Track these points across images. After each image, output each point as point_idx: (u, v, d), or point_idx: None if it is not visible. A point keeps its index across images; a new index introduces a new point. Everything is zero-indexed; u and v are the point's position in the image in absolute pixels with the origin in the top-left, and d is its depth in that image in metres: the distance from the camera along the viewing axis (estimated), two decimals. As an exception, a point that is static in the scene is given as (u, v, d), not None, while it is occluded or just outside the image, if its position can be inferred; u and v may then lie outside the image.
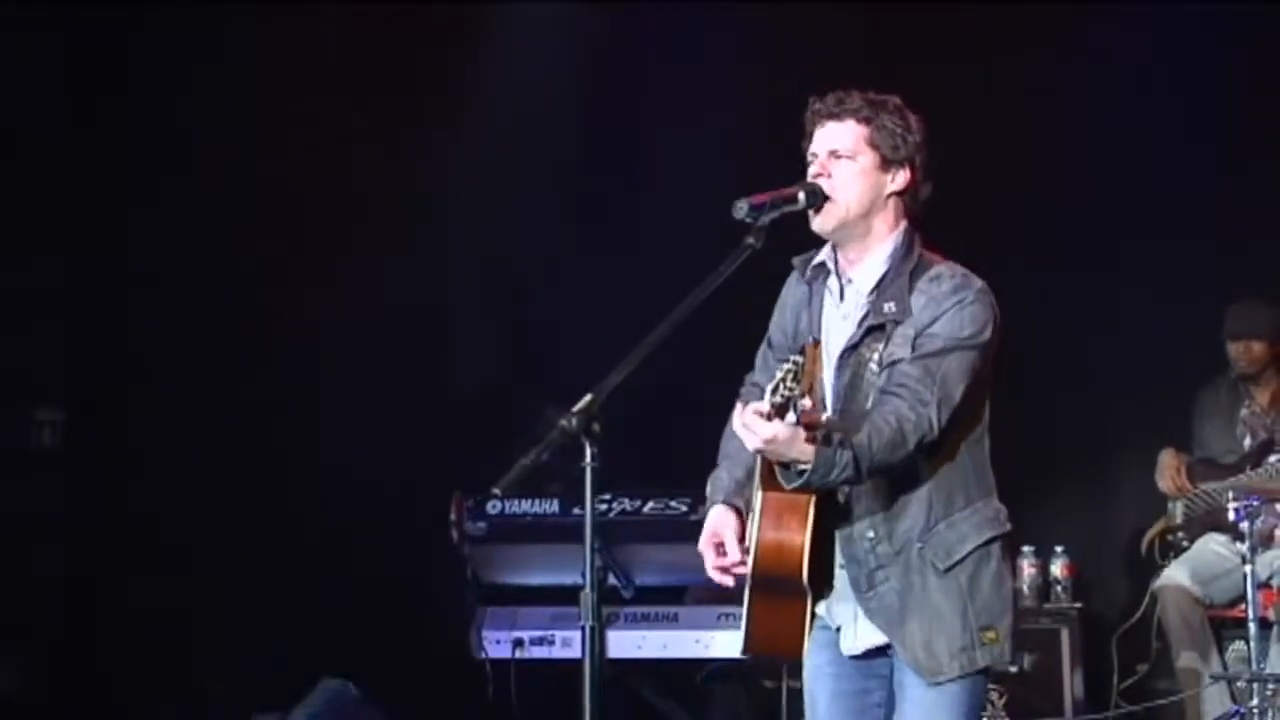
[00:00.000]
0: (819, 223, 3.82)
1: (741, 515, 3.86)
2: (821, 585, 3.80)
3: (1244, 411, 6.87)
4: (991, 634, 3.77)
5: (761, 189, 3.75)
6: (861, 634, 3.84)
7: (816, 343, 3.83)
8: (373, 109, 7.40)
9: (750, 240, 3.70)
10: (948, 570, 3.75)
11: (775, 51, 7.16)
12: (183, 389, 7.25)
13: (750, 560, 3.75)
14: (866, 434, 3.63)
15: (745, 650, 3.85)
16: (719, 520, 3.88)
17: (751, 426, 3.54)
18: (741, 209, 3.72)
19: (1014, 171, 7.18)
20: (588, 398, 3.50)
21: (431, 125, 7.42)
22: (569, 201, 7.41)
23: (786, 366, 3.54)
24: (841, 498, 3.78)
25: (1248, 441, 6.80)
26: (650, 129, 7.39)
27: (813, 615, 3.80)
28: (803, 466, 3.59)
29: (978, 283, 3.81)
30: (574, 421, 3.47)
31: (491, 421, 6.89)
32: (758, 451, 3.63)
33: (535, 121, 7.43)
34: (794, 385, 3.52)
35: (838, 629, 3.87)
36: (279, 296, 7.29)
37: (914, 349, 3.73)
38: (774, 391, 3.54)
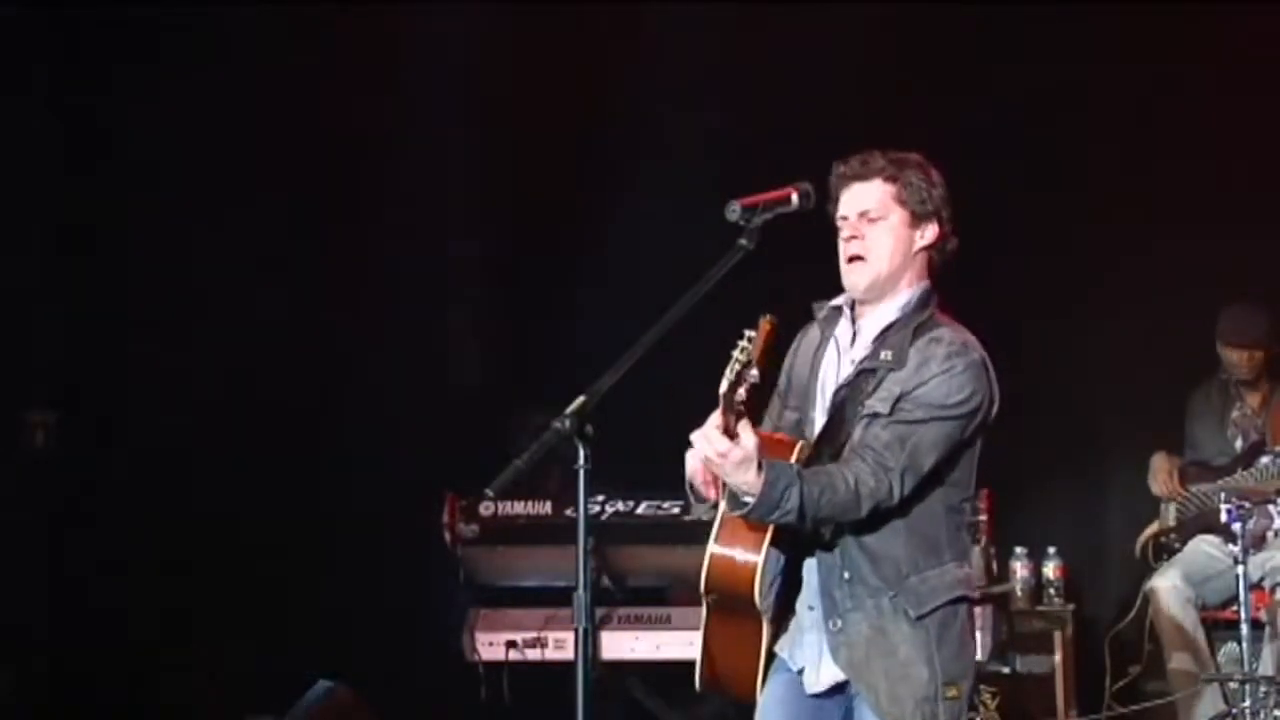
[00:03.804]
0: (851, 281, 3.84)
1: None
2: (780, 617, 3.77)
3: (1235, 413, 6.87)
4: (954, 691, 3.77)
5: (755, 190, 3.76)
6: (825, 673, 3.81)
7: (771, 320, 3.70)
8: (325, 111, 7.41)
9: (743, 242, 3.72)
10: (919, 619, 3.74)
11: (776, 54, 7.16)
12: (177, 390, 7.24)
13: (703, 575, 3.71)
14: (820, 488, 3.62)
15: (701, 685, 3.84)
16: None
17: (710, 438, 3.56)
18: (734, 211, 3.73)
19: (1010, 172, 7.17)
20: (581, 399, 3.51)
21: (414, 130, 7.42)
22: (567, 200, 7.40)
23: (741, 343, 3.56)
24: (827, 533, 3.76)
25: (1239, 443, 6.80)
26: (649, 128, 7.39)
27: (770, 655, 3.78)
28: (747, 498, 3.60)
29: (975, 354, 3.81)
30: (567, 423, 3.48)
31: (486, 423, 6.89)
32: (707, 462, 3.62)
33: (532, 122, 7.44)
34: (742, 358, 3.53)
35: (800, 671, 3.83)
36: (276, 297, 7.28)
37: (893, 412, 3.72)
38: (730, 370, 3.54)
